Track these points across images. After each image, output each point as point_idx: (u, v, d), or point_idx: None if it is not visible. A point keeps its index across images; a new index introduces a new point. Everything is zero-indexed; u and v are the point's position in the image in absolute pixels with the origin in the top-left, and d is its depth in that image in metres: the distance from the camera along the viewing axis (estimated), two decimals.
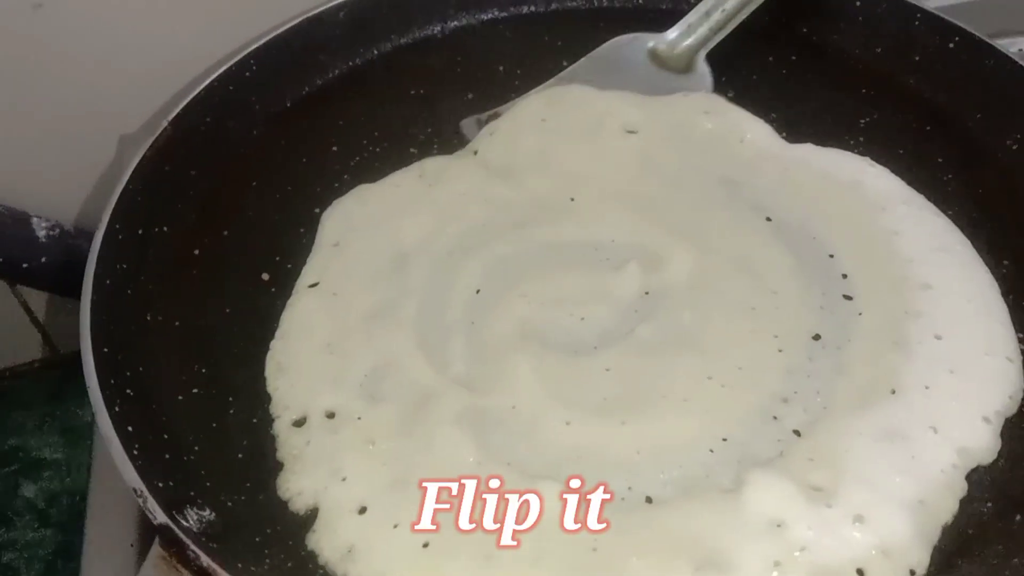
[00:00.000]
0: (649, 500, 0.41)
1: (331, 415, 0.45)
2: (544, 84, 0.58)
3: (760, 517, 0.40)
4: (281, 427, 0.45)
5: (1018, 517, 0.40)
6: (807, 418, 0.43)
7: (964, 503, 0.41)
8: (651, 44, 0.59)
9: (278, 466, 0.43)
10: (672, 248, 0.49)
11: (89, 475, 0.50)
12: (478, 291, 0.49)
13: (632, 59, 0.58)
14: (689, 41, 0.59)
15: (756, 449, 0.42)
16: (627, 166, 0.54)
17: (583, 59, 0.59)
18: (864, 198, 0.51)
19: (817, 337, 0.46)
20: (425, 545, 0.40)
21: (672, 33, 0.59)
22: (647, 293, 0.48)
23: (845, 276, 0.48)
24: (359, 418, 0.44)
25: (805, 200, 0.51)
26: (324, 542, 0.41)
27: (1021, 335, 0.46)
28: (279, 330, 0.48)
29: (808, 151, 0.54)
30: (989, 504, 0.41)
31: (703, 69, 0.58)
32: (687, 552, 0.39)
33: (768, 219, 0.51)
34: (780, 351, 0.45)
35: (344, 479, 0.42)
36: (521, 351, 0.46)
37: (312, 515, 0.42)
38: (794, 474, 0.41)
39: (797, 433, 0.43)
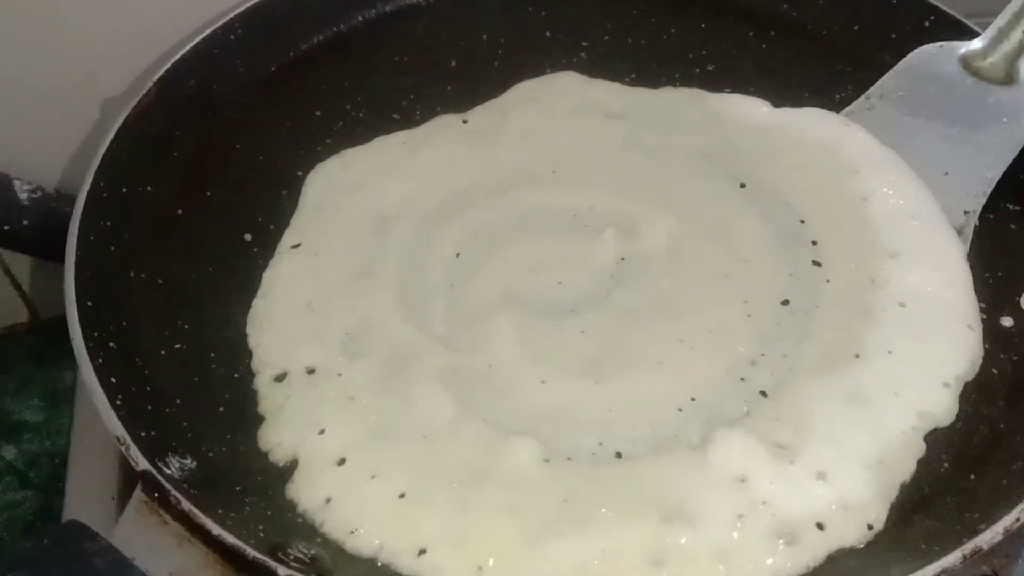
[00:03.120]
0: (619, 455, 0.43)
1: (311, 371, 0.45)
2: (855, 103, 0.55)
3: (725, 472, 0.41)
4: (262, 382, 0.45)
5: (972, 476, 0.42)
6: (774, 380, 0.44)
7: (922, 463, 0.43)
8: (962, 51, 0.54)
9: (259, 419, 0.44)
10: (649, 216, 0.50)
11: (71, 434, 0.51)
12: (458, 254, 0.50)
13: (944, 71, 0.54)
14: (1004, 47, 0.53)
15: (724, 409, 0.44)
16: (610, 143, 0.55)
17: (889, 73, 0.55)
18: (837, 161, 0.52)
19: (786, 302, 0.47)
20: (402, 496, 0.41)
21: (983, 40, 0.54)
22: (623, 259, 0.49)
23: (815, 243, 0.49)
24: (339, 374, 0.45)
25: (780, 165, 0.52)
26: (303, 492, 0.42)
27: (983, 305, 0.48)
28: (261, 289, 0.49)
29: (785, 115, 0.54)
30: (946, 464, 0.43)
31: None
32: (655, 504, 0.40)
33: (743, 185, 0.52)
34: (749, 316, 0.46)
35: (323, 432, 0.43)
36: (499, 313, 0.47)
37: (291, 466, 0.43)
38: (759, 432, 0.42)
39: (764, 394, 0.44)
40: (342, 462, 0.42)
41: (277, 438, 0.43)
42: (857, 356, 0.45)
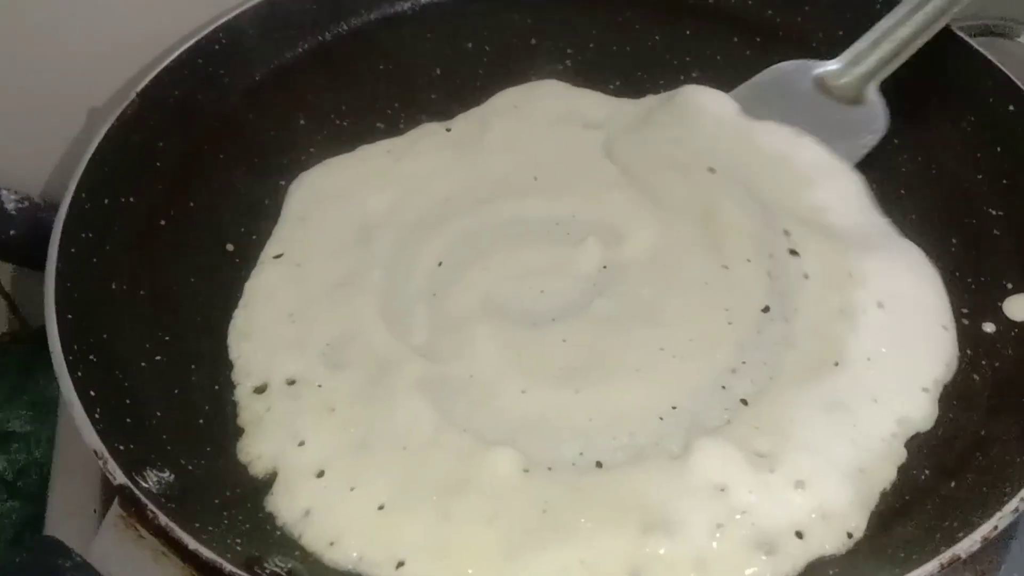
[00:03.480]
0: (600, 465, 0.42)
1: (292, 382, 0.45)
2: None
3: (705, 482, 0.41)
4: (242, 393, 0.45)
5: (952, 483, 0.42)
6: (754, 388, 0.44)
7: (903, 470, 0.43)
8: (817, 71, 0.56)
9: (238, 431, 0.44)
10: (630, 224, 0.50)
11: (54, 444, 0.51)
12: (440, 264, 0.50)
13: (797, 87, 0.56)
14: (859, 70, 0.55)
15: (704, 417, 0.44)
16: (590, 151, 0.55)
17: (743, 84, 0.57)
18: (793, 171, 0.52)
19: (766, 309, 0.47)
20: (381, 507, 0.41)
21: (839, 62, 0.56)
22: (605, 267, 0.49)
23: (787, 233, 0.49)
24: (320, 385, 0.45)
25: (751, 172, 0.52)
26: (282, 504, 0.42)
27: (965, 310, 0.48)
28: (243, 299, 0.49)
29: (741, 121, 0.54)
30: (927, 471, 0.43)
31: (875, 99, 0.54)
32: (635, 514, 0.40)
33: (711, 170, 0.51)
34: (730, 323, 0.46)
35: (303, 443, 0.43)
36: (481, 322, 0.47)
37: (271, 478, 0.43)
38: (739, 441, 0.42)
39: (744, 402, 0.44)
40: (321, 474, 0.42)
41: (256, 450, 0.43)
42: (836, 364, 0.45)
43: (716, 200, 0.50)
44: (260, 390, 0.45)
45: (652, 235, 0.50)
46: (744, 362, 0.45)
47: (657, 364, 0.45)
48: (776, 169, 0.52)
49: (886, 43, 0.55)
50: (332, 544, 0.40)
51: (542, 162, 0.54)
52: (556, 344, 0.46)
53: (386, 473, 0.42)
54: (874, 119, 0.54)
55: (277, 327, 0.47)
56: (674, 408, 0.44)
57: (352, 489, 0.41)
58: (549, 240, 0.51)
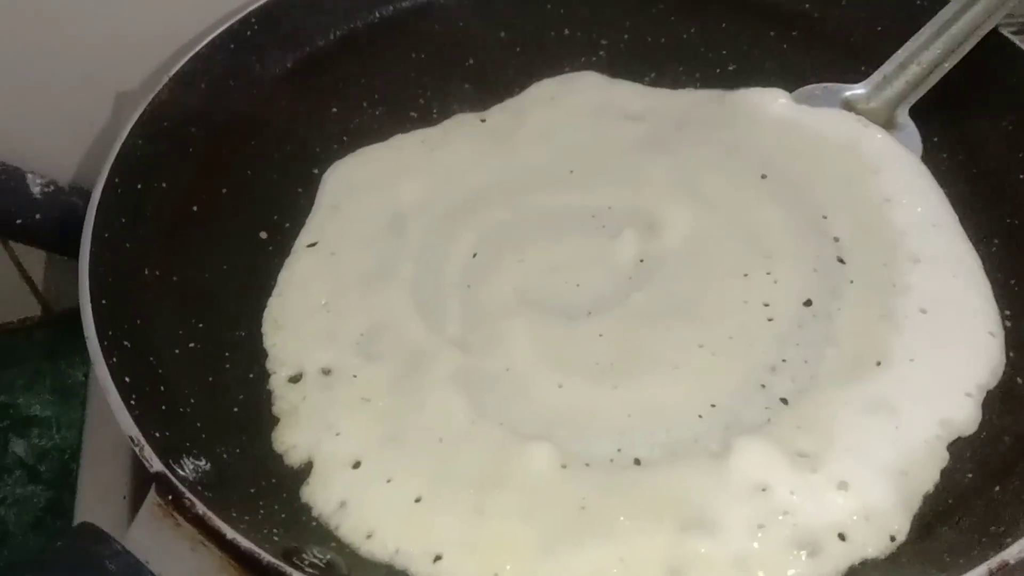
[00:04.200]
0: (638, 462, 0.42)
1: (327, 372, 0.45)
2: None
3: (745, 481, 0.40)
4: (277, 383, 0.45)
5: (997, 488, 0.41)
6: (795, 387, 0.44)
7: (945, 473, 0.42)
8: (845, 94, 0.55)
9: (273, 420, 0.44)
10: (668, 214, 0.50)
11: (82, 431, 0.51)
12: (475, 255, 0.49)
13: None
14: (886, 94, 0.54)
15: (744, 416, 0.43)
16: (628, 143, 0.54)
17: None
18: (858, 159, 0.51)
19: (808, 303, 0.46)
20: (417, 500, 0.41)
21: (865, 86, 0.55)
22: (642, 261, 0.49)
23: (837, 239, 0.48)
24: (355, 376, 0.45)
25: (801, 160, 0.51)
26: (317, 495, 0.41)
27: (1008, 312, 0.47)
28: (276, 288, 0.49)
29: (804, 112, 0.54)
30: (970, 475, 0.42)
31: (906, 123, 0.53)
32: (673, 512, 0.40)
33: (764, 177, 0.51)
34: (770, 320, 0.46)
35: (338, 434, 0.43)
36: (516, 315, 0.47)
37: (306, 469, 0.42)
38: (780, 441, 0.42)
39: (784, 401, 0.44)
40: (357, 465, 0.42)
41: (292, 440, 0.43)
42: (879, 364, 0.44)
43: (761, 211, 0.50)
44: (295, 379, 0.45)
45: (690, 224, 0.49)
46: (784, 360, 0.45)
47: (695, 361, 0.45)
48: (841, 158, 0.51)
49: (913, 66, 0.54)
50: (369, 536, 0.40)
51: (578, 154, 0.53)
52: (592, 338, 0.46)
53: (422, 465, 0.42)
54: (907, 144, 0.53)
55: (311, 316, 0.47)
56: (713, 406, 0.43)
57: (388, 481, 0.41)
58: (585, 232, 0.50)
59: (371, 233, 0.50)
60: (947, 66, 0.53)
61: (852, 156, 0.51)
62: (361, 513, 0.40)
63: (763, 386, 0.44)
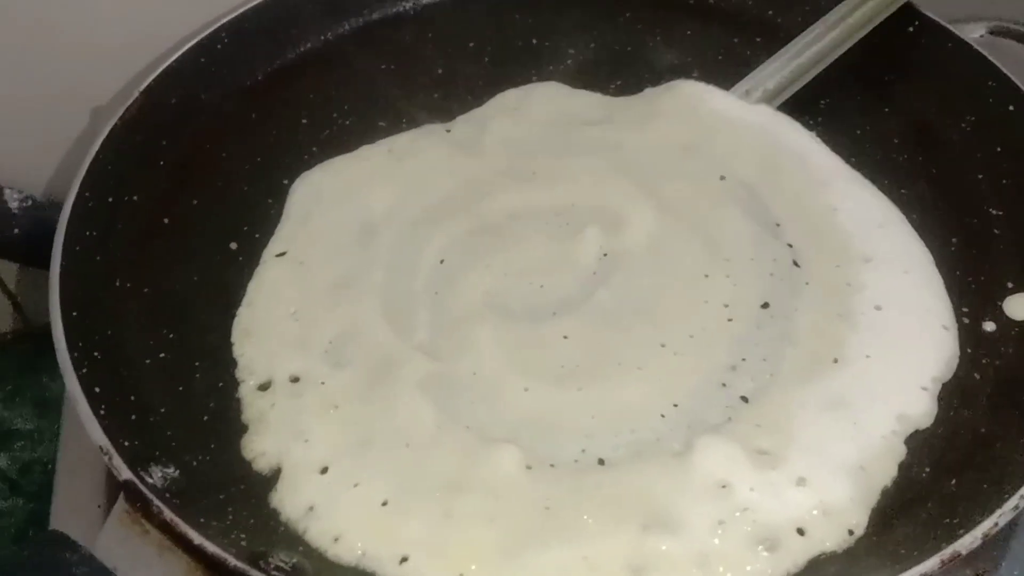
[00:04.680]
0: (602, 462, 0.43)
1: (295, 379, 0.46)
2: None
3: (707, 479, 0.41)
4: (246, 391, 0.46)
5: (953, 481, 0.42)
6: (755, 386, 0.45)
7: (903, 468, 0.43)
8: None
9: (243, 428, 0.44)
10: (631, 210, 0.50)
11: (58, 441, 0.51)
12: (442, 261, 0.50)
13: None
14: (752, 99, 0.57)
15: (705, 415, 0.44)
16: (589, 145, 0.55)
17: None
18: (808, 173, 0.52)
19: (766, 305, 0.47)
20: (384, 504, 0.41)
21: (732, 94, 0.57)
22: (605, 255, 0.49)
23: (791, 245, 0.49)
24: (323, 383, 0.45)
25: (757, 166, 0.52)
26: (286, 500, 0.42)
27: (966, 309, 0.48)
28: (246, 297, 0.49)
29: (764, 115, 0.55)
30: (927, 469, 0.43)
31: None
32: (636, 511, 0.40)
33: (722, 178, 0.52)
34: (730, 320, 0.46)
35: (307, 441, 0.43)
36: (482, 320, 0.47)
37: (275, 475, 0.43)
38: (741, 439, 0.42)
39: (745, 400, 0.44)
40: (325, 470, 0.42)
41: (261, 447, 0.43)
42: (836, 361, 0.45)
43: (721, 212, 0.50)
44: (264, 387, 0.46)
45: (652, 220, 0.50)
46: (744, 359, 0.45)
47: (658, 361, 0.45)
48: (791, 166, 0.52)
49: (777, 76, 0.57)
50: (336, 540, 0.40)
51: (541, 158, 0.54)
52: (557, 341, 0.46)
53: (389, 470, 0.42)
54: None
55: (280, 325, 0.48)
56: (675, 406, 0.44)
57: (355, 485, 0.42)
58: (549, 231, 0.51)
59: (339, 242, 0.51)
60: (805, 79, 0.56)
61: (802, 168, 0.53)
62: (328, 517, 0.41)
63: (724, 385, 0.45)
